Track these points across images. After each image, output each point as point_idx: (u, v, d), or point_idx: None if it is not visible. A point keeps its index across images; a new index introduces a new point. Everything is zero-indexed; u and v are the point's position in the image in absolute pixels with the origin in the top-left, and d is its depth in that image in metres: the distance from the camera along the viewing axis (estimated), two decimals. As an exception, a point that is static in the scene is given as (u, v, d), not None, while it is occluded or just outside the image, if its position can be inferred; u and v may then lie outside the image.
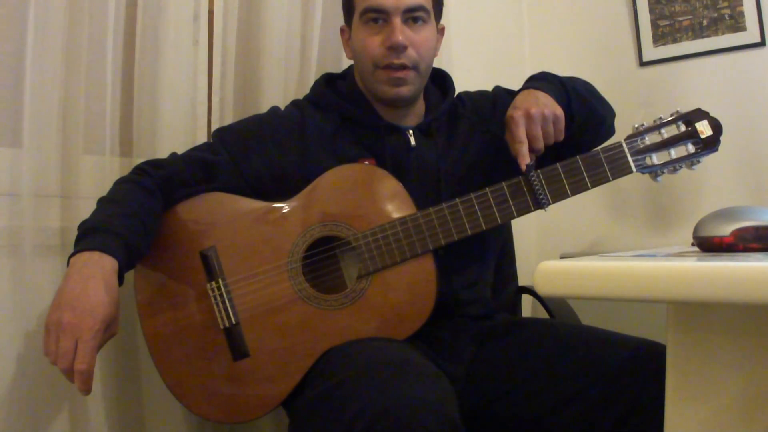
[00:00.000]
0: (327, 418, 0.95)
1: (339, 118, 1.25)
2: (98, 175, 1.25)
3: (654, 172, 1.13)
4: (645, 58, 2.03)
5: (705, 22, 1.93)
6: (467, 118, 1.31)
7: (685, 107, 1.14)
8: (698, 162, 1.13)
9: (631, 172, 1.12)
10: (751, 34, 1.86)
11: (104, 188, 1.25)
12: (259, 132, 1.24)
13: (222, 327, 1.13)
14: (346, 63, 1.60)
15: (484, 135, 1.29)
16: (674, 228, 1.91)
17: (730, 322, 0.80)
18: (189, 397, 1.13)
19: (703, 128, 1.11)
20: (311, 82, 1.53)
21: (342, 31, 1.30)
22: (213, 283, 1.14)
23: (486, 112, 1.32)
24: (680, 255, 0.89)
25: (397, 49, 1.17)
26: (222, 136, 1.25)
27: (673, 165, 1.12)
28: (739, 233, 0.87)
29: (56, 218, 1.22)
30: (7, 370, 1.14)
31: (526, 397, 1.13)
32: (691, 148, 1.11)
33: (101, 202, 1.14)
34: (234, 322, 1.13)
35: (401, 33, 1.17)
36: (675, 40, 1.97)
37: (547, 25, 2.25)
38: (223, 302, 1.13)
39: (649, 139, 1.12)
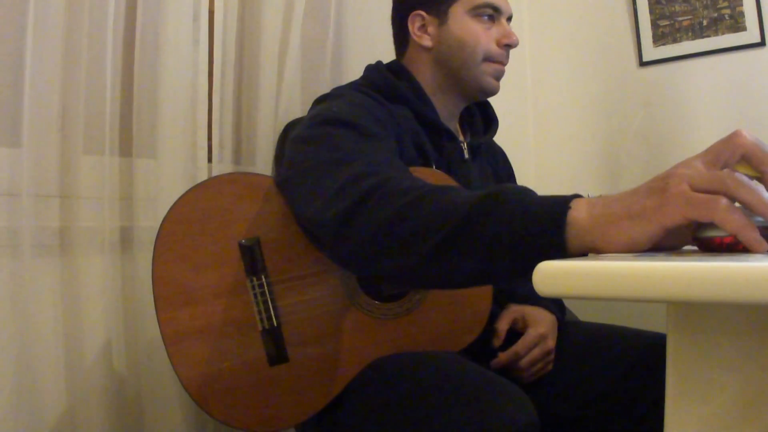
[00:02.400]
0: (402, 427, 0.90)
1: (412, 113, 1.18)
2: (98, 175, 1.25)
3: None
4: (645, 58, 2.03)
5: (705, 22, 1.92)
6: (489, 153, 1.35)
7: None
8: None
9: None
10: (751, 34, 1.86)
11: (104, 188, 1.25)
12: (378, 112, 1.11)
13: (260, 329, 1.05)
14: (348, 63, 1.59)
15: (494, 176, 1.34)
16: (674, 228, 1.90)
17: (730, 322, 0.80)
18: (212, 401, 1.03)
19: None
20: (312, 82, 1.53)
21: (415, 16, 1.24)
22: (254, 278, 1.05)
23: (499, 161, 1.38)
24: (680, 255, 0.89)
25: (513, 46, 1.23)
26: (368, 122, 1.04)
27: None
28: None
29: (56, 218, 1.22)
30: (7, 369, 1.14)
31: (558, 394, 1.15)
32: None
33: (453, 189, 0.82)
34: (275, 324, 1.05)
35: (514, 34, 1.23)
36: (675, 40, 1.97)
37: (547, 25, 2.24)
38: (265, 301, 1.05)
39: None
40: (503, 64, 1.23)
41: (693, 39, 1.94)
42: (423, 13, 1.24)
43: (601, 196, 0.71)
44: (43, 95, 1.17)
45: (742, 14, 1.87)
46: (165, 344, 1.04)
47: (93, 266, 1.25)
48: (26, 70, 1.14)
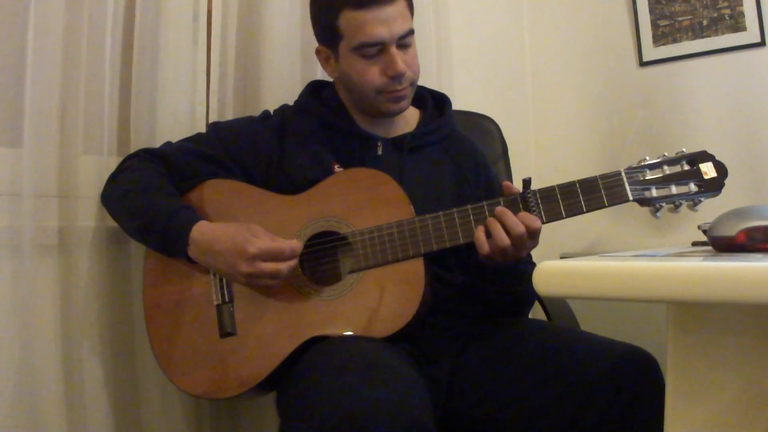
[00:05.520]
0: (301, 419, 0.97)
1: (317, 122, 1.29)
2: (97, 175, 1.25)
3: (653, 205, 1.12)
4: (645, 58, 2.03)
5: (705, 22, 1.93)
6: (446, 148, 1.33)
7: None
8: (700, 202, 1.11)
9: (627, 200, 1.11)
10: (751, 34, 1.86)
11: (103, 188, 1.25)
12: (251, 131, 1.29)
13: (216, 303, 1.16)
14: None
15: (455, 172, 1.31)
16: (674, 228, 1.90)
17: (730, 322, 0.80)
18: (172, 368, 1.17)
19: (707, 170, 1.10)
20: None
21: (318, 51, 1.29)
22: None
23: (465, 159, 1.34)
24: (680, 255, 0.89)
25: (400, 77, 1.20)
26: (218, 132, 1.29)
27: (673, 200, 1.11)
28: (749, 233, 0.86)
29: (55, 218, 1.22)
30: (6, 369, 1.14)
31: (508, 401, 1.13)
32: (693, 187, 1.10)
33: (147, 189, 1.19)
34: (227, 299, 1.16)
35: (402, 61, 1.19)
36: (675, 40, 1.97)
37: (547, 25, 2.24)
38: (220, 279, 1.17)
39: (651, 174, 1.11)
40: (398, 91, 1.22)
41: (693, 39, 1.94)
42: (323, 48, 1.28)
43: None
44: (43, 96, 1.17)
45: (742, 14, 1.87)
46: (145, 318, 1.20)
47: (92, 265, 1.26)
48: (27, 70, 1.14)
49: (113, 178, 1.24)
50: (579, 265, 0.78)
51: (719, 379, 0.80)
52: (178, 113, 1.37)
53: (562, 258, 1.60)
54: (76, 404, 1.22)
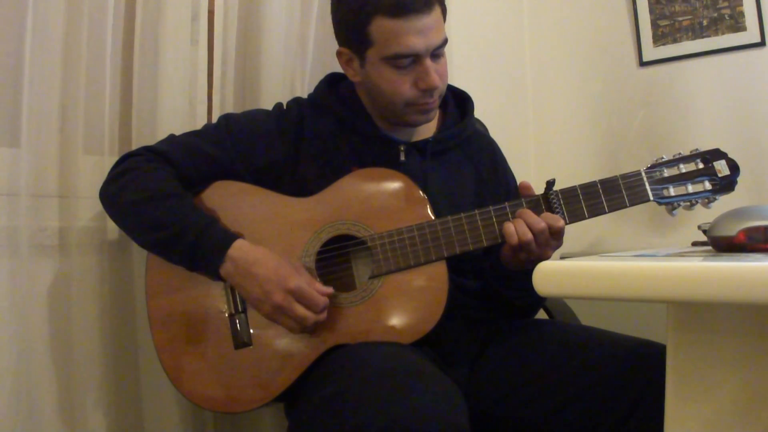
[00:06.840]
0: (330, 424, 0.93)
1: (335, 121, 1.25)
2: (97, 175, 1.25)
3: (671, 204, 1.13)
4: (645, 58, 2.03)
5: (705, 22, 1.92)
6: (466, 150, 1.31)
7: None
8: (714, 200, 1.13)
9: (648, 200, 1.13)
10: (751, 34, 1.86)
11: (103, 188, 1.25)
12: (266, 126, 1.24)
13: (228, 313, 1.13)
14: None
15: (474, 175, 1.30)
16: (674, 228, 1.90)
17: (730, 322, 0.80)
18: (184, 381, 1.12)
19: (721, 167, 1.12)
20: (310, 82, 1.53)
21: (339, 53, 1.22)
22: None
23: (484, 161, 1.33)
24: (680, 255, 0.89)
25: (432, 91, 1.17)
26: (230, 127, 1.24)
27: (690, 200, 1.13)
28: (749, 233, 0.87)
29: (55, 218, 1.22)
30: (5, 369, 1.14)
31: (528, 399, 1.13)
32: (708, 185, 1.12)
33: (161, 196, 1.13)
34: (240, 309, 1.12)
35: (434, 73, 1.15)
36: (675, 40, 1.97)
37: (547, 25, 2.24)
38: (233, 289, 1.13)
39: (667, 172, 1.13)
40: (428, 103, 1.19)
41: (693, 39, 1.94)
42: (346, 50, 1.21)
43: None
44: (43, 95, 1.17)
45: (742, 14, 1.87)
46: (151, 330, 1.15)
47: (93, 266, 1.25)
48: (25, 69, 1.14)
49: (116, 178, 1.18)
50: (579, 265, 0.78)
51: (719, 379, 0.80)
52: (179, 113, 1.36)
53: (562, 258, 1.60)
54: (76, 407, 1.21)
